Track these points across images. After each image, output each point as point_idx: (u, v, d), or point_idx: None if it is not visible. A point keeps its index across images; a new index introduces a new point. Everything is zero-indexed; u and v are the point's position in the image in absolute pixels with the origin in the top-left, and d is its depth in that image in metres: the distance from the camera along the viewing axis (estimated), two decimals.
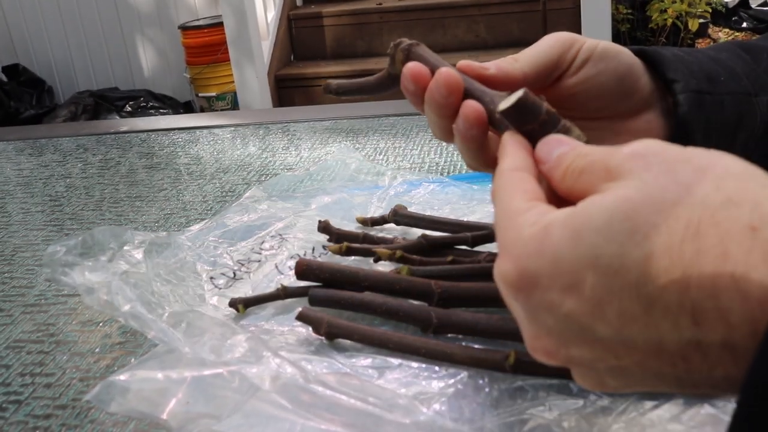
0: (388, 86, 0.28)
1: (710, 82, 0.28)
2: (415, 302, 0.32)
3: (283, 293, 0.34)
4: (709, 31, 2.52)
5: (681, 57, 0.29)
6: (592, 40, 0.28)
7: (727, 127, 0.28)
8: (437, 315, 0.30)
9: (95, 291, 0.33)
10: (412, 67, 0.25)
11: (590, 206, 0.17)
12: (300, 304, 0.34)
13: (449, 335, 0.30)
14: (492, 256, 0.35)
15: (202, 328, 0.30)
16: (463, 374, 0.28)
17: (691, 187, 0.16)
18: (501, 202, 0.20)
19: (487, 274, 0.33)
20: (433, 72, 0.25)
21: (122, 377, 0.28)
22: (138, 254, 0.37)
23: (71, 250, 0.36)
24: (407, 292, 0.32)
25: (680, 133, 0.28)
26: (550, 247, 0.17)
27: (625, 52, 0.28)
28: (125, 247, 0.37)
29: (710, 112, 0.28)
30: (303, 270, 0.33)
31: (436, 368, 0.28)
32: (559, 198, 0.20)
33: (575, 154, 0.19)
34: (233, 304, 0.34)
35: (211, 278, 0.36)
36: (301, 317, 0.32)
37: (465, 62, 0.25)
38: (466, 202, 0.43)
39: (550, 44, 0.27)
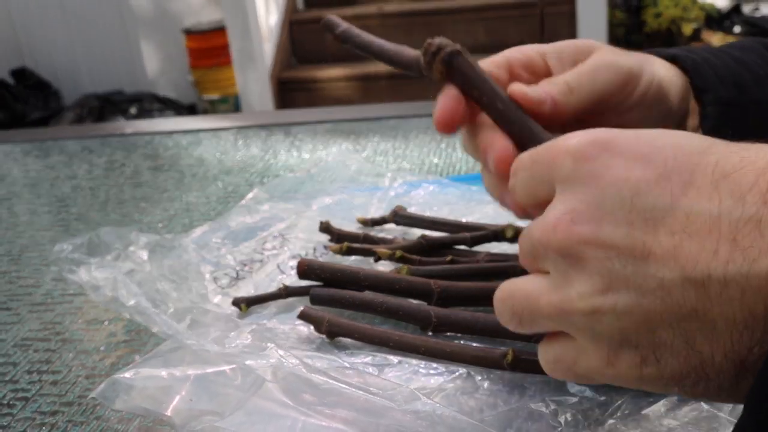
0: (413, 72, 0.24)
1: (738, 89, 0.28)
2: (415, 302, 0.32)
3: (285, 292, 0.35)
4: (703, 35, 2.53)
5: (709, 61, 0.28)
6: (648, 72, 0.26)
7: (747, 135, 0.28)
8: (436, 314, 0.30)
9: (101, 288, 0.33)
10: (442, 114, 0.23)
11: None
12: (301, 303, 0.34)
13: (448, 334, 0.31)
14: (491, 256, 0.35)
15: (206, 323, 0.30)
16: (462, 371, 0.28)
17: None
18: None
19: (486, 274, 0.34)
20: (472, 94, 0.22)
21: (127, 375, 0.29)
22: (143, 255, 0.37)
23: (78, 249, 0.36)
24: (407, 292, 0.32)
25: None
26: (631, 131, 0.18)
27: (674, 87, 0.27)
28: (130, 248, 0.38)
29: (735, 120, 0.27)
30: (304, 270, 0.34)
31: (436, 365, 0.28)
32: None
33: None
34: (236, 303, 0.35)
35: (215, 279, 0.37)
36: (303, 316, 0.32)
37: (518, 90, 0.23)
38: (465, 203, 0.43)
39: (608, 78, 0.25)
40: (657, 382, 0.17)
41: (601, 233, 0.17)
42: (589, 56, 0.27)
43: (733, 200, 0.15)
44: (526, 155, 0.20)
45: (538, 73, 0.27)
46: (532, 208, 0.20)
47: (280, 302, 0.35)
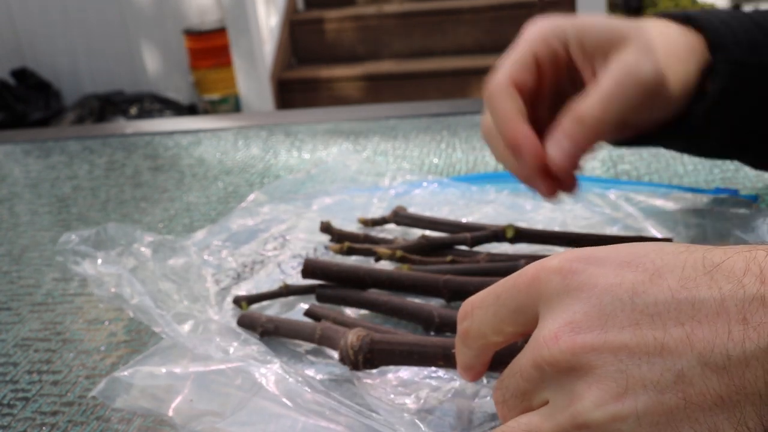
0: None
1: (753, 50, 0.27)
2: (418, 301, 0.32)
3: (286, 290, 0.35)
4: None
5: (726, 20, 0.27)
6: (672, 79, 0.26)
7: (757, 100, 0.27)
8: (439, 314, 0.31)
9: (104, 282, 0.33)
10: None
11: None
12: (302, 302, 0.34)
13: (448, 334, 0.31)
14: (491, 256, 0.35)
15: (210, 330, 0.30)
16: (461, 382, 0.28)
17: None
18: None
19: (486, 275, 0.34)
20: None
21: (127, 373, 0.29)
22: (147, 253, 0.37)
23: (84, 241, 0.36)
24: (413, 287, 0.33)
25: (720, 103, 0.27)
26: (610, 246, 0.18)
27: (693, 66, 0.26)
28: (134, 245, 0.38)
29: (747, 81, 0.27)
30: (310, 269, 0.34)
31: (436, 369, 0.28)
32: None
33: None
34: (237, 301, 0.35)
35: (217, 281, 0.37)
36: (309, 314, 0.32)
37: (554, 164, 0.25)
38: (465, 203, 0.43)
39: (635, 95, 0.25)
40: None
41: (608, 338, 0.16)
42: (611, 51, 0.26)
43: (732, 285, 0.15)
44: (478, 295, 0.20)
45: (562, 65, 0.28)
46: (489, 349, 0.20)
47: (281, 303, 0.35)
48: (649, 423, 0.16)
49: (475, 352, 0.21)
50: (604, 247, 0.18)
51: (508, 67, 0.28)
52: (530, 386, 0.18)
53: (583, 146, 0.26)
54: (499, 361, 0.25)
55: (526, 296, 0.18)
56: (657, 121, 0.28)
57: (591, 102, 0.26)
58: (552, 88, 0.29)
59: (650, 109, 0.27)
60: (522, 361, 0.18)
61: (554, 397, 0.17)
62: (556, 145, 0.26)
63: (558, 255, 0.18)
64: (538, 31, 0.28)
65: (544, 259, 0.18)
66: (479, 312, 0.20)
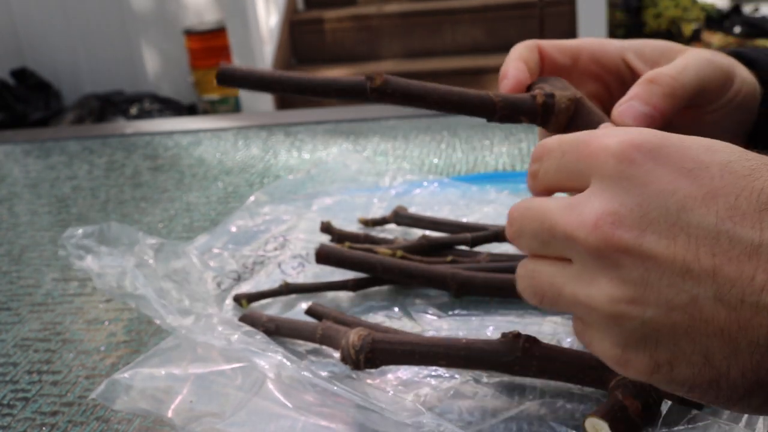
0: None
1: None
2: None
3: (286, 289, 0.35)
4: (703, 36, 2.54)
5: None
6: (740, 75, 0.26)
7: None
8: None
9: (107, 276, 0.33)
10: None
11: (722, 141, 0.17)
12: (303, 301, 0.34)
13: (447, 334, 0.31)
14: (492, 257, 0.35)
15: (211, 322, 0.30)
16: (464, 374, 0.28)
17: None
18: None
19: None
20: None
21: (126, 375, 0.29)
22: (148, 256, 0.37)
23: (88, 236, 0.36)
24: (422, 278, 0.33)
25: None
26: (677, 138, 0.17)
27: (757, 94, 0.27)
28: (136, 247, 0.38)
29: None
30: (324, 254, 0.34)
31: (437, 368, 0.28)
32: None
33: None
34: (237, 299, 0.35)
35: (218, 284, 0.37)
36: (309, 313, 0.32)
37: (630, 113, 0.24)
38: (465, 203, 0.43)
39: (711, 74, 0.25)
40: (665, 385, 0.18)
41: (643, 242, 0.16)
42: (673, 56, 0.27)
43: None
44: (553, 142, 0.20)
45: (609, 68, 0.28)
46: (552, 192, 0.20)
47: (281, 302, 0.35)
48: (651, 330, 0.17)
49: (539, 194, 0.21)
50: (672, 136, 0.17)
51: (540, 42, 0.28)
52: (553, 245, 0.19)
53: (657, 108, 0.25)
54: (491, 361, 0.26)
55: (585, 165, 0.18)
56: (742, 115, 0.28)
57: (664, 68, 0.26)
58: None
59: (723, 89, 0.26)
60: (557, 218, 0.18)
61: (577, 266, 0.18)
62: (627, 108, 0.25)
63: (622, 133, 0.18)
64: (595, 40, 0.29)
65: (607, 131, 0.18)
66: (547, 160, 0.20)
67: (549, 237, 0.19)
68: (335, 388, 0.25)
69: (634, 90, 0.26)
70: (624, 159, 0.17)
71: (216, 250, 0.40)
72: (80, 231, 0.36)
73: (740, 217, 0.16)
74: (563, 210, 0.18)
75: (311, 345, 0.31)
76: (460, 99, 0.23)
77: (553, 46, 0.29)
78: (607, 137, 0.18)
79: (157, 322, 0.30)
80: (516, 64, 0.26)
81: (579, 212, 0.18)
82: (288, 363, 0.27)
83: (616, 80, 0.29)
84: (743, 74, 0.27)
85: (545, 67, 0.29)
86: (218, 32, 2.20)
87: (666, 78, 0.25)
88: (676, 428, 0.23)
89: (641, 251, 0.17)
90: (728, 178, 0.16)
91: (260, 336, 0.29)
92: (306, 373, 0.26)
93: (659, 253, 0.16)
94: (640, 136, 0.17)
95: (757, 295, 0.15)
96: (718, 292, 0.16)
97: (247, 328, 0.30)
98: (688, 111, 0.27)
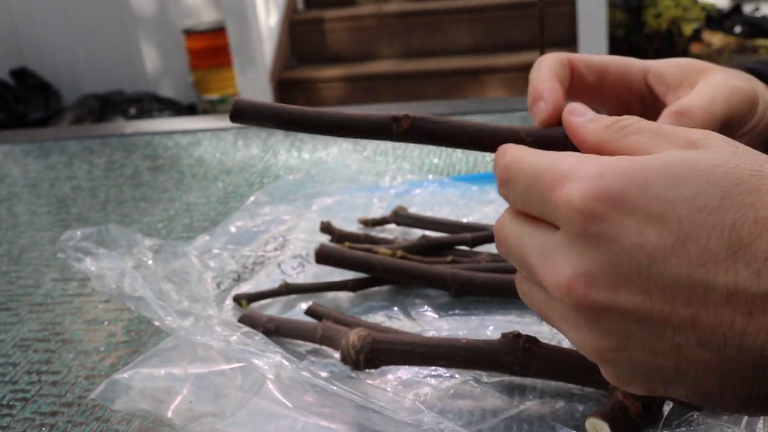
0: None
1: None
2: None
3: (286, 289, 0.35)
4: (703, 35, 2.54)
5: None
6: (763, 100, 0.25)
7: None
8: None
9: (106, 278, 0.33)
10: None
11: (689, 154, 0.17)
12: (303, 301, 0.34)
13: (447, 334, 0.31)
14: (492, 257, 0.35)
15: (210, 326, 0.30)
16: (464, 374, 0.28)
17: None
18: (544, 153, 0.19)
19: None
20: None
21: (126, 375, 0.28)
22: (147, 257, 0.37)
23: (87, 238, 0.36)
24: (422, 278, 0.33)
25: None
26: (640, 173, 0.16)
27: None
28: (135, 249, 0.38)
29: None
30: (324, 254, 0.34)
31: (437, 368, 0.28)
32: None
33: (638, 118, 0.19)
34: (237, 299, 0.35)
35: (218, 284, 0.37)
36: (309, 313, 0.32)
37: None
38: (465, 203, 0.43)
39: (738, 102, 0.24)
40: (661, 394, 0.18)
41: (618, 300, 0.17)
42: (694, 78, 0.26)
43: (749, 273, 0.15)
44: (514, 169, 0.19)
45: (632, 89, 0.27)
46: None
47: (281, 303, 0.35)
48: (640, 368, 0.17)
49: (515, 215, 0.20)
50: (633, 173, 0.16)
51: (571, 56, 0.27)
52: (537, 285, 0.19)
53: None
54: (491, 361, 0.25)
55: (550, 212, 0.18)
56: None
57: (693, 98, 0.25)
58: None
59: (749, 116, 0.26)
60: (534, 262, 0.18)
61: (561, 312, 0.18)
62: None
63: (585, 179, 0.17)
64: (617, 57, 0.28)
65: (568, 171, 0.17)
66: (513, 189, 0.19)
67: (531, 276, 0.19)
68: (334, 388, 0.25)
69: (664, 122, 0.25)
70: (588, 215, 0.17)
71: (216, 251, 0.40)
72: (78, 233, 0.36)
73: (713, 263, 0.16)
74: (539, 256, 0.18)
75: (311, 345, 0.31)
76: (490, 138, 0.22)
77: (583, 62, 0.27)
78: (569, 184, 0.17)
79: (157, 323, 0.30)
80: (552, 85, 0.24)
81: (553, 266, 0.18)
82: (287, 364, 0.26)
83: (638, 102, 0.28)
84: (765, 96, 0.27)
85: (574, 85, 0.27)
86: (218, 32, 2.20)
87: (697, 111, 0.24)
88: (676, 429, 0.23)
89: (618, 308, 0.17)
90: (697, 218, 0.16)
91: (259, 337, 0.29)
92: (305, 374, 0.26)
93: (636, 308, 0.16)
94: (601, 184, 0.17)
95: (738, 339, 0.16)
96: (699, 339, 0.16)
97: (246, 329, 0.30)
98: (734, 132, 0.26)
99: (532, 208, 0.19)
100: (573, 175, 0.17)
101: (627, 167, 0.17)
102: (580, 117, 0.20)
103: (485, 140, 0.22)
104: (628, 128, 0.19)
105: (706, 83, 0.25)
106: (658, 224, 0.16)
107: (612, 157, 0.17)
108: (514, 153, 0.19)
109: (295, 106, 0.22)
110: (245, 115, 0.22)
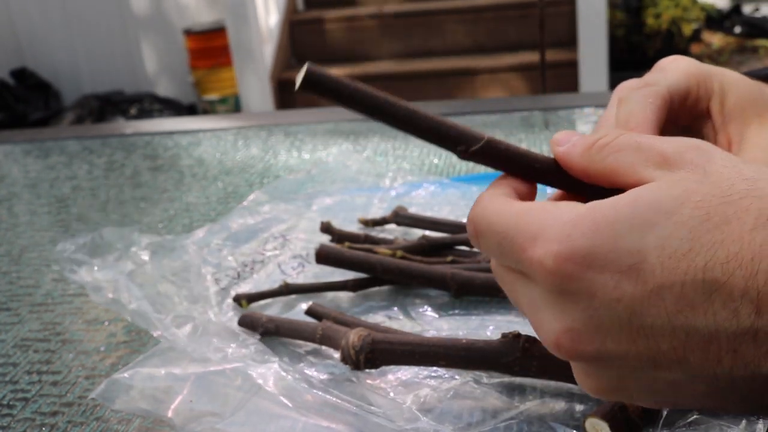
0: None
1: None
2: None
3: (286, 289, 0.35)
4: (703, 36, 2.54)
5: None
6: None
7: None
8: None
9: (102, 289, 0.33)
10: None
11: (654, 192, 0.16)
12: (303, 302, 0.34)
13: (447, 334, 0.31)
14: None
15: (208, 332, 0.30)
16: (464, 375, 0.28)
17: (758, 182, 0.16)
18: (510, 205, 0.18)
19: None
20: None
21: (126, 375, 0.29)
22: (144, 255, 0.37)
23: (80, 249, 0.36)
24: (421, 278, 0.33)
25: None
26: (607, 226, 0.16)
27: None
28: (132, 249, 0.38)
29: None
30: (324, 255, 0.34)
31: (437, 369, 0.28)
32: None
33: (615, 133, 0.19)
34: (237, 299, 0.35)
35: (216, 280, 0.37)
36: (309, 313, 0.32)
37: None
38: (465, 203, 0.43)
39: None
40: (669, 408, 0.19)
41: (606, 350, 0.17)
42: (751, 111, 0.24)
43: (728, 312, 0.16)
44: (482, 225, 0.18)
45: (692, 109, 0.25)
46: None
47: (281, 303, 0.35)
48: (641, 398, 0.18)
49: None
50: (603, 235, 0.16)
51: (666, 84, 0.24)
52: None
53: None
54: (491, 361, 0.25)
55: (526, 269, 0.18)
56: None
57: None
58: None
59: None
60: (524, 309, 0.19)
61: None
62: None
63: (552, 244, 0.17)
64: (687, 71, 0.25)
65: (537, 238, 0.17)
66: (484, 243, 0.19)
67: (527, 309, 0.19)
68: (333, 399, 0.25)
69: None
70: (562, 276, 0.17)
71: (215, 245, 0.40)
72: (72, 246, 0.36)
73: (690, 308, 0.16)
74: (529, 308, 0.18)
75: (311, 345, 0.31)
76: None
77: (681, 97, 0.24)
78: (539, 246, 0.17)
79: (155, 334, 0.30)
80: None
81: (540, 321, 0.18)
82: (284, 374, 0.27)
83: (703, 129, 0.26)
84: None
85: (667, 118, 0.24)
86: (218, 32, 2.20)
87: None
88: (676, 429, 0.23)
89: (607, 357, 0.17)
90: (668, 265, 0.16)
91: (255, 346, 0.29)
92: (304, 385, 0.26)
93: (624, 355, 0.17)
94: (570, 245, 0.17)
95: (728, 373, 0.16)
96: (691, 374, 0.17)
97: (244, 337, 0.30)
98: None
99: (508, 263, 0.19)
100: (542, 235, 0.17)
101: (594, 222, 0.17)
102: (565, 145, 0.20)
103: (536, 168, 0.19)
104: (607, 148, 0.18)
105: (759, 141, 0.24)
106: (632, 276, 0.16)
107: (581, 210, 0.17)
108: (478, 209, 0.19)
109: (370, 89, 0.20)
110: (317, 86, 0.19)
